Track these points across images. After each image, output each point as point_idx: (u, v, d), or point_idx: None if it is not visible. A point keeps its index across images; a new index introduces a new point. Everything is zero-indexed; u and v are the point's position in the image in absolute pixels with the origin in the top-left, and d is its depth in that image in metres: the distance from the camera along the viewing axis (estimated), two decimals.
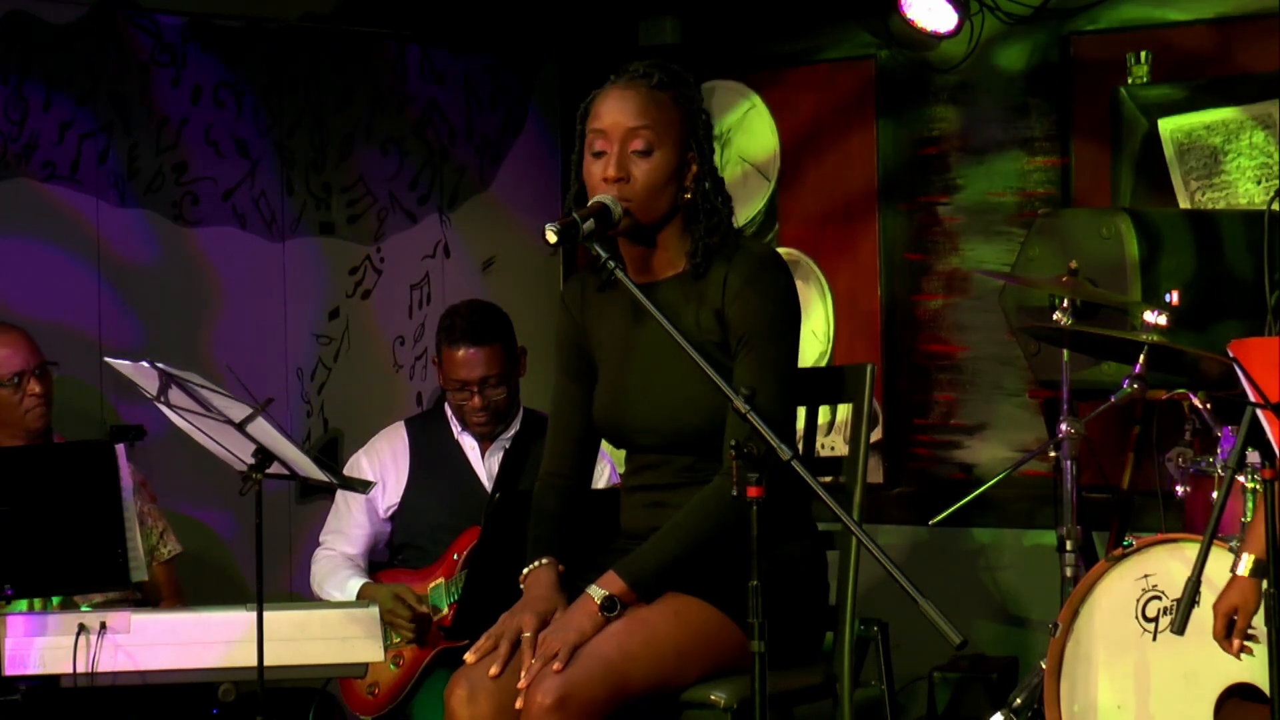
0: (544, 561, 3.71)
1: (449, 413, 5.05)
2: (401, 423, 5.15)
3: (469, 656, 3.60)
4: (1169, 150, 5.82)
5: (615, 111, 3.65)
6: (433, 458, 5.04)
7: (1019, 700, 4.92)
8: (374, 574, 5.04)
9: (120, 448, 4.24)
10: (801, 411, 3.91)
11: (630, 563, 3.62)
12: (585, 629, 3.55)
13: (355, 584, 4.93)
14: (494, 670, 3.54)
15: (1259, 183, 5.67)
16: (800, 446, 3.93)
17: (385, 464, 5.07)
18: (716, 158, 3.78)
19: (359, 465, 5.10)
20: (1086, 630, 4.38)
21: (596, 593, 3.58)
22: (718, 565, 3.59)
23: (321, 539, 5.11)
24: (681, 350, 3.41)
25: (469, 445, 5.02)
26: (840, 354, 6.40)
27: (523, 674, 3.51)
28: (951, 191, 6.29)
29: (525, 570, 3.72)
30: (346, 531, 5.06)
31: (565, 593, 3.66)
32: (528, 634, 3.55)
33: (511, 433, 5.02)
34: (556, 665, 3.46)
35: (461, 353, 4.91)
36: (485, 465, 5.00)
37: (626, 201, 3.62)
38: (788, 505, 3.64)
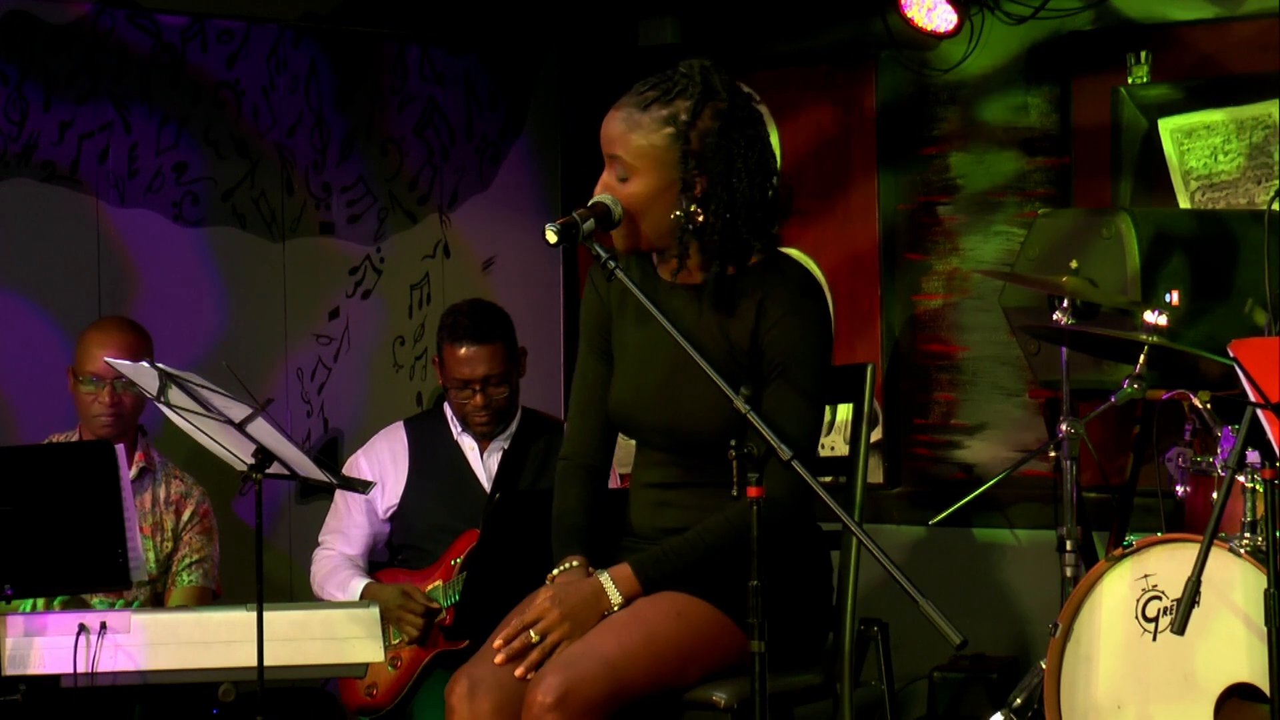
0: (574, 564, 3.70)
1: (448, 413, 5.05)
2: (401, 423, 5.15)
3: (499, 651, 3.61)
4: (1169, 150, 5.82)
5: (606, 132, 3.65)
6: (432, 458, 5.04)
7: (1019, 700, 4.93)
8: (373, 574, 5.04)
9: (119, 448, 4.23)
10: None
11: (650, 566, 3.62)
12: (591, 625, 3.57)
13: (358, 584, 4.93)
14: (499, 659, 3.57)
15: (1259, 183, 5.67)
16: None
17: (384, 464, 5.07)
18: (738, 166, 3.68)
19: (358, 465, 5.10)
20: (1086, 630, 4.38)
21: (614, 595, 3.59)
22: (719, 563, 3.60)
23: (321, 539, 5.11)
24: (703, 353, 3.41)
25: (468, 446, 5.02)
26: (840, 354, 6.38)
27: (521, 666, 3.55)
28: (951, 191, 6.29)
29: (555, 571, 3.71)
30: (346, 532, 5.06)
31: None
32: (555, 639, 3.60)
33: (510, 433, 5.02)
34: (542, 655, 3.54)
35: (463, 351, 4.91)
36: (484, 465, 5.01)
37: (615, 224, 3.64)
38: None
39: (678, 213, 3.59)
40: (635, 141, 3.58)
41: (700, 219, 3.59)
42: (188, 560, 4.95)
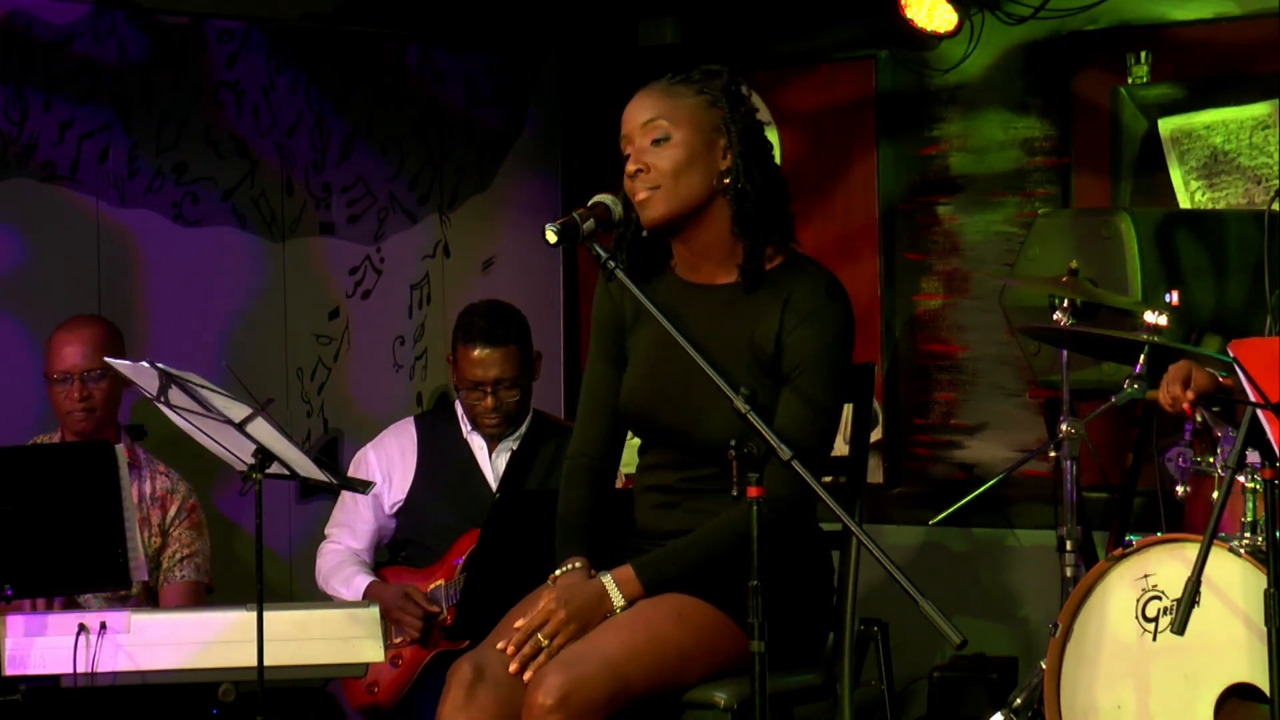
0: (576, 565, 3.71)
1: (459, 411, 5.05)
2: (411, 419, 5.16)
3: (510, 657, 3.60)
4: (1169, 150, 5.82)
5: (631, 114, 3.69)
6: (440, 456, 5.04)
7: (1019, 700, 4.92)
8: (377, 572, 5.04)
9: (120, 447, 4.23)
10: None
11: (651, 567, 3.62)
12: (594, 627, 3.57)
13: (362, 582, 4.93)
14: (513, 668, 3.56)
15: (1259, 183, 5.67)
16: None
17: (393, 460, 5.07)
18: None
19: (366, 460, 5.10)
20: (1086, 630, 4.37)
21: (616, 597, 3.59)
22: (720, 565, 3.60)
23: (327, 531, 5.11)
24: (723, 356, 3.42)
25: (477, 445, 5.02)
26: None
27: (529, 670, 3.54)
28: (951, 191, 6.29)
29: (557, 572, 3.71)
30: (352, 525, 5.06)
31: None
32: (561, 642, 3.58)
33: (520, 434, 5.01)
34: (546, 658, 3.54)
35: (475, 352, 4.91)
36: (492, 465, 5.00)
37: (652, 190, 3.63)
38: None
39: (726, 179, 3.64)
40: (673, 104, 3.65)
41: (740, 184, 3.65)
42: (179, 556, 4.96)
